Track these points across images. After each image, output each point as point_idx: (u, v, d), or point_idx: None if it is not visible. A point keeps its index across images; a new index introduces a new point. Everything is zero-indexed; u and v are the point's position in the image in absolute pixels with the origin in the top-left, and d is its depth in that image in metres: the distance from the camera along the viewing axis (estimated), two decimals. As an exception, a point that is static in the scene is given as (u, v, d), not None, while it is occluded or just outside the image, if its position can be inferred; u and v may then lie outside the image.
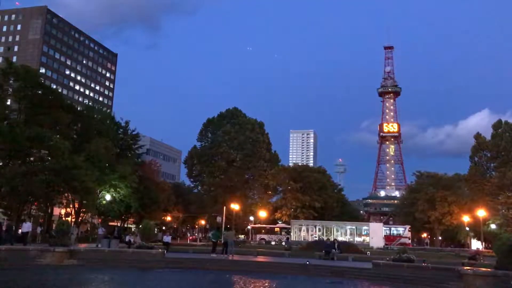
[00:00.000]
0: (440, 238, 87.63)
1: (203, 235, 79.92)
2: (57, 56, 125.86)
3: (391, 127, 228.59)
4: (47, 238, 36.03)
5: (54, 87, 79.40)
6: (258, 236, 69.57)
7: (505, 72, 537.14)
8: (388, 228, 71.92)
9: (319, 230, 65.10)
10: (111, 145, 49.57)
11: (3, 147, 37.94)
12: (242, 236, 76.60)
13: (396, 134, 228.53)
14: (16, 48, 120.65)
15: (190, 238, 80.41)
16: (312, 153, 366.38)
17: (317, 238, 56.60)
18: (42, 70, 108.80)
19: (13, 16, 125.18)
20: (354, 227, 67.06)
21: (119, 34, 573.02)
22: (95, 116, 55.63)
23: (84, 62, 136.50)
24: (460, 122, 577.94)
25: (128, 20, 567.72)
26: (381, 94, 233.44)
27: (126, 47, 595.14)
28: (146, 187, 56.18)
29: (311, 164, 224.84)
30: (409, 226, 72.78)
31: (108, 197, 48.25)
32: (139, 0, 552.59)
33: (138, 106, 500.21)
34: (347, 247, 39.83)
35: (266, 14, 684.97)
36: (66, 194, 45.98)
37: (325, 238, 47.85)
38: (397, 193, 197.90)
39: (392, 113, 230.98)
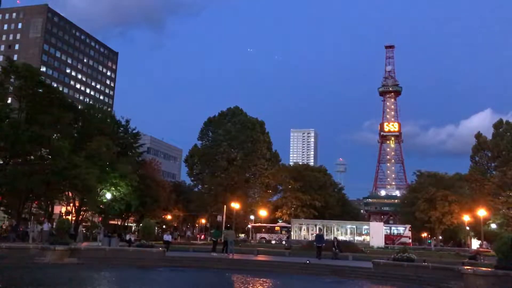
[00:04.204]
0: (440, 237, 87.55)
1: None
2: (58, 54, 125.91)
3: (391, 126, 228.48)
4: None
5: (55, 85, 79.30)
6: (259, 235, 69.52)
7: (508, 72, 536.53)
8: (388, 228, 71.89)
9: (320, 229, 65.06)
10: (112, 144, 49.50)
11: (4, 146, 37.96)
12: (242, 235, 76.57)
13: (397, 133, 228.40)
14: (17, 47, 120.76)
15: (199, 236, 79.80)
16: (312, 152, 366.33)
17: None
18: (43, 69, 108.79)
19: (14, 14, 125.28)
20: (354, 227, 67.01)
21: (124, 34, 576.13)
22: (96, 114, 55.58)
23: (85, 60, 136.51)
24: (462, 122, 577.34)
25: (134, 20, 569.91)
26: (382, 94, 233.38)
27: (131, 47, 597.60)
28: (147, 186, 56.13)
29: (311, 163, 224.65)
30: (410, 225, 72.73)
31: (108, 195, 48.25)
32: (145, 1, 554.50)
33: (140, 105, 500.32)
34: (347, 246, 39.81)
35: (268, 15, 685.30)
36: (66, 193, 46.01)
37: (317, 232, 45.39)
38: (397, 193, 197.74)
39: (393, 113, 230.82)
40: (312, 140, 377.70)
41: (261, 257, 31.27)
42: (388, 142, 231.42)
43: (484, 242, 62.98)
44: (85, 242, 39.71)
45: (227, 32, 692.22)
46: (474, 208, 65.46)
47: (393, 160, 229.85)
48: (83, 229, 48.50)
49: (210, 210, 76.70)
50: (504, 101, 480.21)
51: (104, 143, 46.78)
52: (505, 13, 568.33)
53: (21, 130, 37.07)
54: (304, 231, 66.19)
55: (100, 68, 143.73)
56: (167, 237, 36.68)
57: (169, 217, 78.86)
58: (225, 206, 66.14)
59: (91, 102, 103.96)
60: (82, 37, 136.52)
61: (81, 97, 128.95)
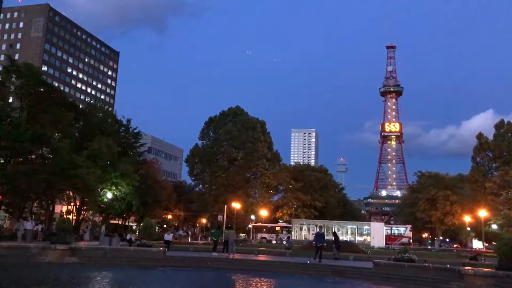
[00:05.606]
0: (441, 238, 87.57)
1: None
2: (59, 54, 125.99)
3: (393, 127, 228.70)
4: (48, 236, 36.03)
5: (56, 85, 79.47)
6: (259, 235, 69.56)
7: (510, 72, 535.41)
8: (389, 228, 71.90)
9: (320, 227, 64.96)
10: (113, 144, 49.50)
11: (5, 145, 37.96)
12: (243, 235, 76.57)
13: (398, 133, 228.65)
14: (18, 46, 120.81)
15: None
16: (313, 152, 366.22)
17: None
18: (44, 68, 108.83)
19: (16, 13, 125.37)
20: (355, 227, 67.05)
21: (126, 34, 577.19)
22: (97, 114, 55.59)
23: (86, 60, 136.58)
24: (463, 122, 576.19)
25: (136, 20, 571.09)
26: (383, 94, 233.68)
27: (133, 47, 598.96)
28: (148, 186, 56.16)
29: (312, 163, 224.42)
30: (410, 226, 72.70)
31: (109, 195, 48.25)
32: (147, 1, 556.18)
33: (141, 104, 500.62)
34: (348, 247, 39.75)
35: (269, 15, 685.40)
36: (67, 192, 46.02)
37: (317, 229, 40.07)
38: (398, 193, 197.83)
39: (394, 113, 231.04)
40: (313, 140, 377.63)
41: (261, 257, 31.23)
42: (389, 142, 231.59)
43: (475, 242, 62.77)
44: (84, 241, 39.74)
45: (229, 33, 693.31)
46: (475, 208, 65.45)
47: (394, 161, 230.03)
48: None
49: (211, 210, 76.72)
50: (506, 102, 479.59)
51: (105, 143, 46.79)
52: (507, 13, 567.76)
53: (22, 129, 37.07)
54: (304, 231, 66.22)
55: (101, 67, 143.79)
56: (167, 237, 36.67)
57: (169, 216, 78.89)
58: (226, 206, 66.17)
59: (92, 101, 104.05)
60: (84, 36, 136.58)
61: (82, 97, 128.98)
